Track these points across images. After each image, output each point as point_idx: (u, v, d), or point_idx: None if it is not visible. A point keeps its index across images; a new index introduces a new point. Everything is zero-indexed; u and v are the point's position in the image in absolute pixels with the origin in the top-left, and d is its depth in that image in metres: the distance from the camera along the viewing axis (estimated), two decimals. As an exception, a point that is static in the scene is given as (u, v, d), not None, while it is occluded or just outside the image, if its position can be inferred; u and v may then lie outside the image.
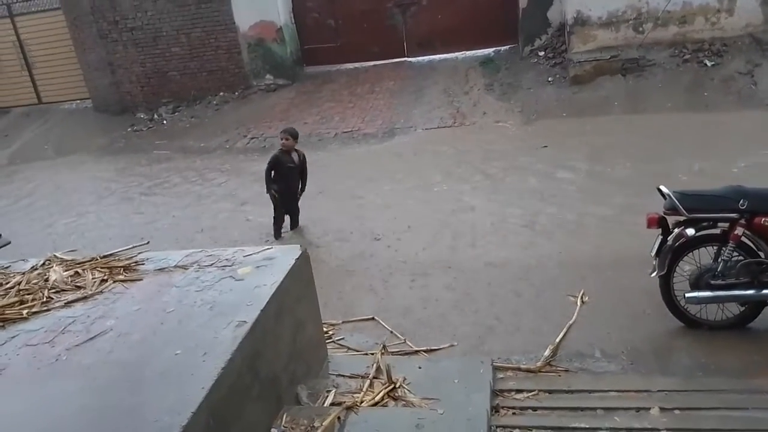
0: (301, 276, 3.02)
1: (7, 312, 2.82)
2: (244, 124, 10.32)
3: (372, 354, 3.48)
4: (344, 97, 10.30)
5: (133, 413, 2.06)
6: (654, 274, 3.65)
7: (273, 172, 5.85)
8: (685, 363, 3.43)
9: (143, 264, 3.15)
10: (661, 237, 3.64)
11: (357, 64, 11.29)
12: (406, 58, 11.18)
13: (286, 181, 5.89)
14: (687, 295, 3.58)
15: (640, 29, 8.96)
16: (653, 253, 3.66)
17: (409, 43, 11.18)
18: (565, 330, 3.84)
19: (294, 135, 5.92)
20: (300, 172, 5.97)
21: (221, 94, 11.69)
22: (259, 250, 3.14)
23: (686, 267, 3.79)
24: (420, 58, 11.12)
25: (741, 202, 3.44)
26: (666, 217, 3.63)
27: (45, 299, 2.90)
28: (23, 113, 13.04)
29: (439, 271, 4.94)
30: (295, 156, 5.92)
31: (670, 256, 3.58)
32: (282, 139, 5.90)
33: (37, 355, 2.49)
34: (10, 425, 2.11)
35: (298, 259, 3.01)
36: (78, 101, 13.01)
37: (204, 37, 11.58)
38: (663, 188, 3.61)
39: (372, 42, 11.16)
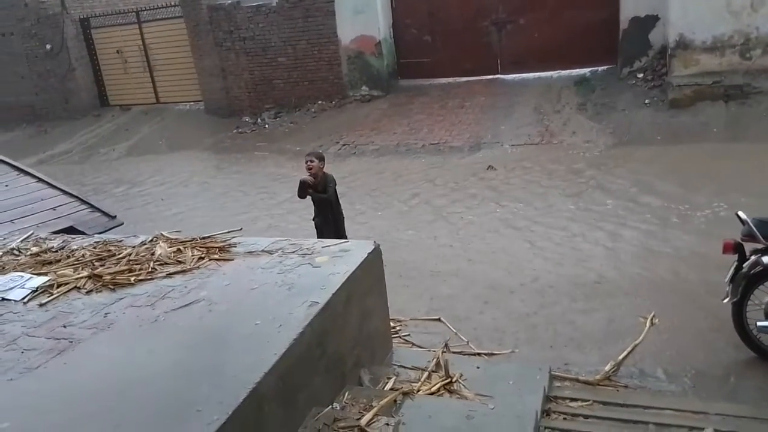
0: (372, 269, 3.26)
1: (118, 278, 3.23)
2: (338, 131, 10.81)
3: (434, 351, 3.66)
4: (435, 110, 10.56)
5: (216, 369, 2.36)
6: (726, 300, 3.61)
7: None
8: (750, 393, 3.37)
9: (235, 247, 3.50)
10: (736, 263, 3.60)
11: (450, 79, 11.53)
12: (499, 75, 11.29)
13: (322, 213, 5.39)
14: (759, 323, 3.51)
15: (747, 55, 8.60)
16: (727, 280, 3.61)
17: (503, 60, 11.29)
18: (630, 348, 3.82)
19: (320, 157, 5.35)
20: (330, 200, 5.33)
21: (319, 102, 12.28)
22: (336, 242, 3.42)
23: (766, 298, 3.71)
24: (513, 76, 11.20)
25: (823, 233, 3.35)
26: (743, 243, 3.58)
27: (150, 269, 3.28)
28: (142, 111, 14.28)
29: (511, 281, 5.05)
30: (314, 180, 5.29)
31: (744, 283, 3.53)
32: (307, 162, 5.27)
33: (140, 315, 2.86)
34: (115, 371, 2.48)
35: (370, 253, 3.25)
36: (191, 103, 14.09)
37: (308, 49, 12.23)
38: (741, 214, 3.57)
39: (466, 58, 11.35)
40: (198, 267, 3.29)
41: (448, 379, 3.13)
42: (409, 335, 4.14)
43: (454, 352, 3.87)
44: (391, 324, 3.91)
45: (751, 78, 8.54)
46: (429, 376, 3.18)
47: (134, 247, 3.61)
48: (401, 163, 8.98)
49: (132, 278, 3.20)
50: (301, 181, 5.30)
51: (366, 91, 11.91)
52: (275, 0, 12.26)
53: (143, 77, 14.57)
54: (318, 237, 5.29)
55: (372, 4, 11.41)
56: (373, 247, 3.31)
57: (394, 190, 7.89)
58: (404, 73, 12.10)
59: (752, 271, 3.51)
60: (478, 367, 3.38)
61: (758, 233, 3.46)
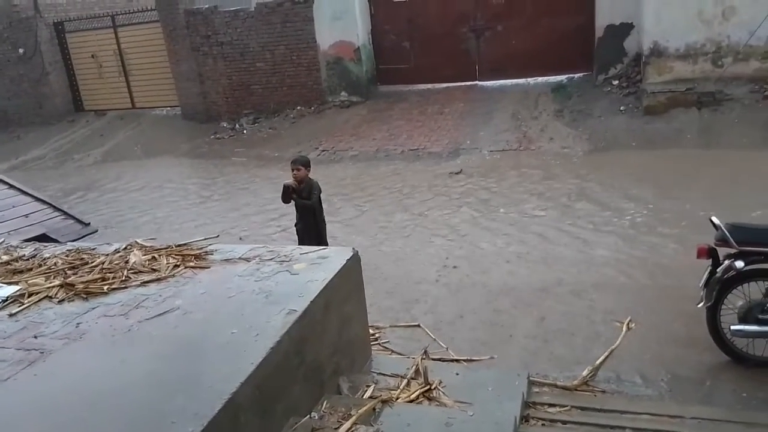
0: (350, 276, 3.23)
1: (90, 287, 3.16)
2: (317, 137, 10.78)
3: (413, 358, 3.65)
4: (414, 117, 10.59)
5: (191, 379, 2.32)
6: (701, 304, 3.66)
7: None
8: (725, 396, 3.42)
9: (212, 254, 3.45)
10: (710, 268, 3.65)
11: (429, 86, 11.59)
12: (477, 82, 11.37)
13: (304, 219, 5.36)
14: (732, 327, 3.56)
15: (719, 63, 8.78)
16: (701, 284, 3.67)
17: (481, 67, 11.38)
18: (607, 353, 3.87)
19: (305, 164, 5.34)
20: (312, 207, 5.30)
21: (298, 108, 12.24)
22: (315, 249, 3.39)
23: (739, 302, 3.77)
24: (491, 82, 11.28)
25: (794, 238, 3.42)
26: (716, 248, 3.64)
27: (124, 278, 3.22)
28: (118, 116, 14.09)
29: (487, 286, 5.07)
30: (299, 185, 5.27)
31: (717, 287, 3.58)
32: (293, 170, 5.27)
33: (113, 325, 2.80)
34: (87, 383, 2.42)
35: (349, 259, 3.23)
36: (168, 108, 13.93)
37: (287, 54, 12.18)
38: (714, 219, 3.63)
39: (445, 65, 11.42)
40: (173, 275, 3.23)
41: (427, 386, 3.11)
42: (388, 342, 4.13)
43: (433, 359, 3.86)
44: (371, 331, 3.89)
45: (723, 85, 8.71)
46: (408, 384, 3.16)
47: (108, 255, 3.54)
48: (380, 169, 8.98)
49: (105, 287, 3.13)
50: (284, 186, 5.28)
51: (345, 96, 11.91)
52: (253, 5, 12.21)
53: (119, 82, 14.38)
54: (299, 243, 5.26)
55: (350, 11, 11.43)
56: (351, 253, 3.29)
57: (372, 195, 7.88)
58: (383, 79, 12.13)
59: (725, 276, 3.56)
60: (457, 374, 3.37)
61: (731, 238, 3.52)
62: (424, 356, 3.82)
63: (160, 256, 3.46)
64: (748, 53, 8.65)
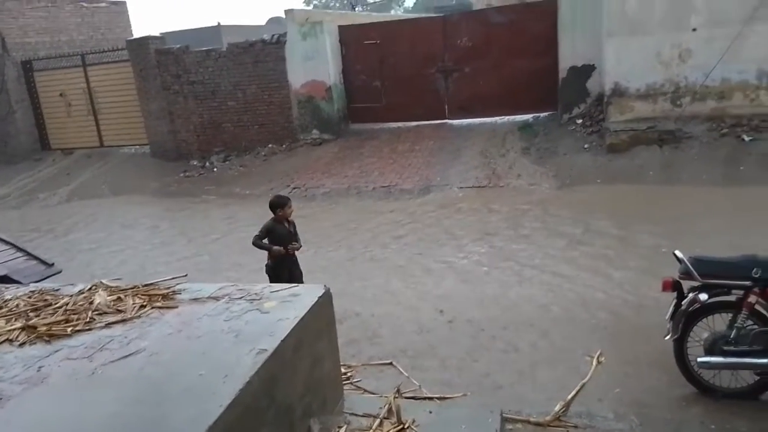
0: (322, 313, 3.20)
1: (53, 329, 3.07)
2: (289, 174, 10.80)
3: (386, 397, 3.60)
4: (385, 154, 10.71)
5: (157, 423, 2.25)
6: (668, 337, 3.71)
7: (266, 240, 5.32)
8: (694, 428, 3.44)
9: (180, 294, 3.39)
10: (675, 301, 3.72)
11: (399, 124, 11.77)
12: (446, 120, 11.59)
13: (288, 259, 5.32)
14: (699, 359, 3.61)
15: (678, 102, 9.12)
16: (667, 317, 3.73)
17: (450, 106, 11.62)
18: (578, 388, 3.87)
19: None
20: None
21: (270, 146, 12.27)
22: (285, 287, 3.36)
23: (705, 334, 3.84)
24: (460, 121, 11.51)
25: (755, 270, 3.51)
26: (681, 281, 3.71)
27: (88, 319, 3.13)
28: (86, 154, 13.93)
29: (461, 323, 5.06)
30: (288, 225, 5.36)
31: (683, 320, 3.65)
32: (289, 209, 5.33)
33: (76, 368, 2.71)
34: (47, 428, 2.34)
35: (320, 297, 3.20)
36: (137, 146, 13.83)
37: (258, 93, 12.28)
38: (678, 253, 3.71)
39: (415, 104, 11.63)
40: (139, 316, 3.16)
41: (401, 426, 3.06)
42: (360, 380, 4.08)
43: (406, 397, 3.82)
44: (342, 370, 3.84)
45: (683, 123, 9.03)
46: (381, 424, 3.11)
47: (72, 296, 3.45)
48: (351, 206, 9.01)
49: (69, 329, 3.04)
50: (281, 254, 5.19)
51: (317, 134, 11.99)
52: (225, 45, 12.32)
53: (87, 120, 14.27)
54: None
55: (322, 51, 11.62)
56: (323, 291, 3.27)
57: (343, 232, 7.88)
58: (355, 118, 12.27)
59: (690, 308, 3.63)
60: (430, 412, 3.33)
61: (695, 271, 3.60)
62: (396, 395, 3.78)
63: (126, 296, 3.39)
64: (704, 93, 9.01)
